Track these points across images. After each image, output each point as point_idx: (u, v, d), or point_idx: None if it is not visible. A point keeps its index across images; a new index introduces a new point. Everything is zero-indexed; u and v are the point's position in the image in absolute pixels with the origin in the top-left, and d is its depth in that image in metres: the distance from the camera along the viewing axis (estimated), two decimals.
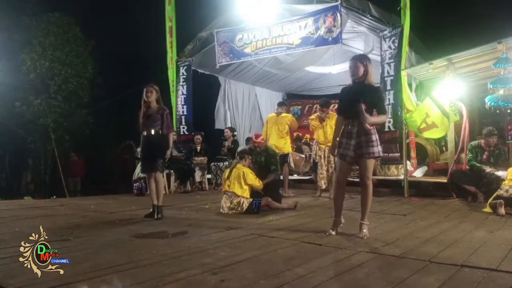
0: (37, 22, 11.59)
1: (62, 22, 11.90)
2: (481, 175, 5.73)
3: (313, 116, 6.90)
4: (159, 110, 4.69)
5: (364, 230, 3.47)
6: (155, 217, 4.57)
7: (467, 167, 6.08)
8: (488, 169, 5.70)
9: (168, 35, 9.11)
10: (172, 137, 4.77)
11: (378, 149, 3.50)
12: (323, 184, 6.55)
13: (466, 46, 5.95)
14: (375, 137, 3.49)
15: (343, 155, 3.55)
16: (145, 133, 4.69)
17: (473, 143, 6.12)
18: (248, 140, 9.51)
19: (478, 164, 5.85)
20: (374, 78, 3.55)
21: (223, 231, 3.79)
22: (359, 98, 3.43)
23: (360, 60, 3.57)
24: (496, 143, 5.97)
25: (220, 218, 4.71)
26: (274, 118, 7.15)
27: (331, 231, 3.59)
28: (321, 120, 6.55)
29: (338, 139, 3.67)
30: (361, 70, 3.51)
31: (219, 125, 10.58)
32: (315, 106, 7.88)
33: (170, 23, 9.08)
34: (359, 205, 3.62)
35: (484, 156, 5.94)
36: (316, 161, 6.61)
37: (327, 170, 6.47)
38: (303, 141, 10.67)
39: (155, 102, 4.72)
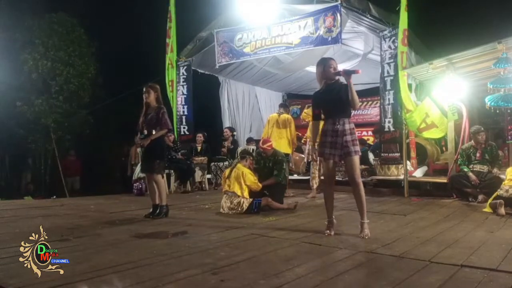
0: (40, 22, 11.59)
1: (65, 22, 11.91)
2: (480, 177, 5.75)
3: (308, 109, 6.93)
4: (156, 109, 4.70)
5: (366, 230, 3.48)
6: (154, 216, 4.58)
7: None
8: (472, 177, 5.74)
9: (167, 35, 9.11)
10: (159, 133, 4.63)
11: (359, 147, 3.64)
12: (314, 183, 6.56)
13: (466, 46, 5.95)
14: (356, 136, 3.65)
15: (332, 155, 3.59)
16: (145, 132, 4.70)
17: (464, 146, 6.16)
18: (249, 140, 9.52)
19: (465, 169, 5.90)
20: (372, 79, 3.59)
21: (223, 231, 3.79)
22: (342, 96, 3.52)
23: (332, 61, 3.65)
24: (486, 140, 6.02)
25: (220, 218, 4.72)
26: (275, 119, 7.14)
27: (328, 231, 3.60)
28: None
29: (318, 139, 3.71)
30: (332, 71, 3.61)
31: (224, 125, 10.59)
32: None
33: (169, 23, 9.07)
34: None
35: (478, 155, 5.96)
36: (309, 160, 6.62)
37: (319, 170, 6.48)
38: (303, 141, 10.67)
39: (154, 101, 4.73)
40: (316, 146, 6.38)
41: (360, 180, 3.58)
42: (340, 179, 6.64)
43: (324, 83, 3.68)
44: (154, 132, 4.62)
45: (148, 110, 4.72)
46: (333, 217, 3.70)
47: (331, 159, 3.61)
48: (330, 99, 3.61)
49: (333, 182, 3.78)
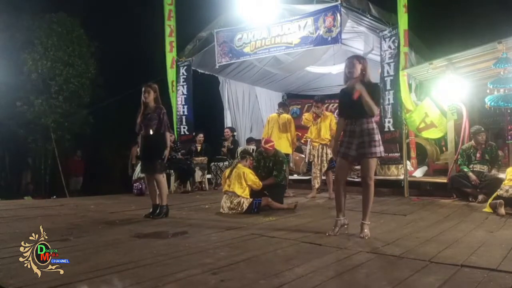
0: (39, 22, 11.58)
1: (65, 22, 11.91)
2: (480, 177, 5.75)
3: (308, 113, 6.96)
4: (156, 109, 4.68)
5: (365, 230, 3.47)
6: (154, 216, 4.58)
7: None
8: (473, 177, 5.75)
9: (167, 34, 9.12)
10: (168, 136, 4.73)
11: (380, 149, 3.51)
12: (316, 183, 6.57)
13: (466, 46, 5.95)
14: (377, 137, 3.51)
15: (345, 154, 3.56)
16: (143, 133, 4.69)
17: (464, 146, 6.16)
18: (249, 140, 9.53)
19: (466, 169, 5.91)
20: (374, 78, 3.55)
21: (223, 231, 3.79)
22: (357, 100, 3.44)
23: (357, 58, 3.61)
24: (486, 140, 6.02)
25: (220, 218, 4.72)
26: (275, 118, 7.13)
27: (330, 232, 3.57)
28: (316, 116, 6.57)
29: (340, 138, 3.69)
30: (358, 68, 3.54)
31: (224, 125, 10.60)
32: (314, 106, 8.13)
33: (173, 23, 9.10)
34: (359, 205, 3.62)
35: (478, 155, 5.96)
36: (311, 160, 6.63)
37: (320, 170, 6.50)
38: (303, 140, 10.68)
39: (153, 101, 4.72)
40: (315, 142, 6.49)
41: (371, 182, 3.51)
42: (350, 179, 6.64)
43: (348, 80, 3.65)
44: (150, 132, 4.63)
45: (146, 110, 4.69)
46: (342, 217, 3.62)
47: (345, 159, 3.58)
48: (348, 99, 3.58)
49: (344, 182, 3.66)
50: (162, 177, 4.75)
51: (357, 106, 3.50)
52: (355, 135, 3.51)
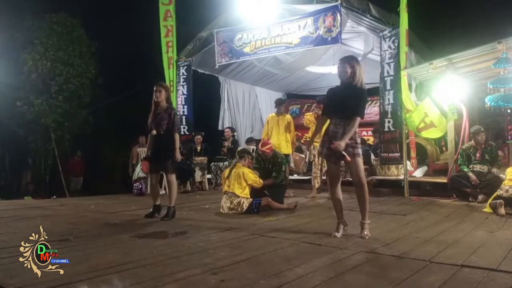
0: (40, 22, 11.59)
1: (65, 22, 11.91)
2: (480, 177, 5.75)
3: (309, 113, 6.96)
4: (167, 109, 4.66)
5: (365, 231, 3.47)
6: (162, 218, 4.54)
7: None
8: (473, 177, 5.75)
9: (163, 35, 9.11)
10: (178, 138, 4.72)
11: (358, 150, 3.51)
12: (316, 183, 6.57)
13: (466, 46, 5.95)
14: (358, 140, 3.55)
15: (328, 155, 3.57)
16: (153, 132, 4.67)
17: (464, 146, 6.17)
18: (249, 140, 9.52)
19: (466, 169, 5.91)
20: (372, 79, 3.53)
21: (223, 231, 3.79)
22: (345, 101, 3.47)
23: (347, 61, 3.56)
24: (486, 140, 6.02)
25: (220, 218, 4.72)
26: (275, 118, 7.13)
27: (336, 233, 3.53)
28: (318, 117, 6.58)
29: (322, 137, 3.69)
30: (348, 71, 3.52)
31: (223, 125, 10.59)
32: (313, 105, 8.05)
33: (171, 23, 9.09)
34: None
35: (477, 155, 5.97)
36: (311, 160, 6.64)
37: (321, 170, 6.50)
38: (303, 140, 10.67)
39: (165, 101, 4.70)
40: (316, 142, 6.49)
41: (363, 181, 3.52)
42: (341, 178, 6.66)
43: (340, 81, 3.64)
44: (161, 132, 4.61)
45: (157, 110, 4.67)
46: (343, 219, 3.62)
47: (330, 160, 3.59)
48: (334, 98, 3.60)
49: (336, 182, 3.65)
50: (174, 178, 4.73)
51: (341, 107, 3.50)
52: (337, 136, 3.47)
